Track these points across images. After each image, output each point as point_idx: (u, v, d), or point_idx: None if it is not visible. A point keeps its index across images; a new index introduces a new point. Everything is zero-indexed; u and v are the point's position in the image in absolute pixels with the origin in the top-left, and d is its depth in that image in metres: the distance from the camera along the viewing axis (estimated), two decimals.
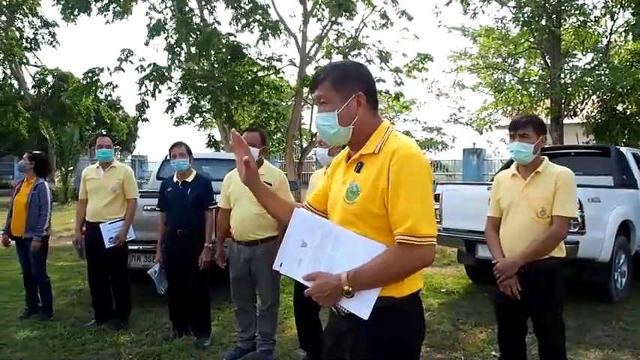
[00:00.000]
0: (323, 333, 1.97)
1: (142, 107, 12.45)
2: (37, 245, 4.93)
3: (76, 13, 12.43)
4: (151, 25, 12.24)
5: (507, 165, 6.79)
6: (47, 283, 5.12)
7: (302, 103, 14.00)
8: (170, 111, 12.88)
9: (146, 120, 13.07)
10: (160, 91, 12.21)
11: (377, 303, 1.65)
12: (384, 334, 1.69)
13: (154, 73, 11.86)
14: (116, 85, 12.76)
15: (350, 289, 1.64)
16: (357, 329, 1.70)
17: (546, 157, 3.04)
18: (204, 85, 12.33)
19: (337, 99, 1.74)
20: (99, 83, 12.72)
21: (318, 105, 1.81)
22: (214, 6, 12.82)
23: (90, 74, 12.39)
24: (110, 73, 12.25)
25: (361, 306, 1.66)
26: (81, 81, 13.31)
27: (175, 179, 4.50)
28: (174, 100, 12.87)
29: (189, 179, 4.48)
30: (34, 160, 5.18)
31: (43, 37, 21.23)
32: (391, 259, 1.64)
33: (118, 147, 25.08)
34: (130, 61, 12.08)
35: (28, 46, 20.42)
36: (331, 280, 1.66)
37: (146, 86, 12.02)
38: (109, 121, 22.02)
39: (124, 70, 12.11)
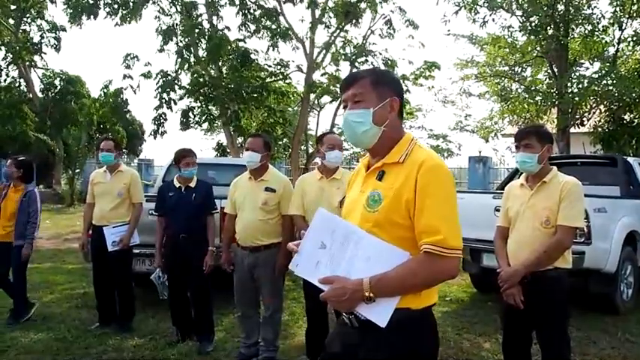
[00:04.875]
0: (327, 341, 1.94)
1: (159, 120, 12.39)
2: (28, 252, 4.96)
3: (84, 17, 12.51)
4: (162, 30, 12.29)
5: (513, 174, 6.78)
6: (23, 289, 5.08)
7: (308, 110, 14.01)
8: (184, 121, 12.83)
9: (164, 133, 12.62)
10: (175, 103, 12.20)
11: (394, 314, 1.62)
12: (401, 346, 1.65)
13: (164, 80, 11.88)
14: (138, 86, 12.34)
15: (371, 295, 1.60)
16: (371, 340, 1.67)
17: (555, 168, 3.04)
18: (213, 91, 12.36)
19: (374, 98, 1.74)
20: (125, 101, 12.72)
21: (349, 103, 1.78)
22: (220, 10, 12.87)
23: (116, 95, 12.43)
24: (126, 83, 12.26)
25: (380, 313, 1.62)
26: (101, 97, 13.32)
27: (177, 184, 4.49)
28: (187, 110, 12.85)
29: (192, 184, 4.48)
30: (21, 167, 5.11)
31: (49, 41, 21.36)
32: (419, 269, 1.61)
33: (125, 150, 25.14)
34: (129, 65, 12.08)
35: (33, 49, 20.48)
36: (350, 285, 1.63)
37: (163, 99, 12.00)
38: (109, 127, 22.12)
39: (131, 78, 12.17)
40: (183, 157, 4.44)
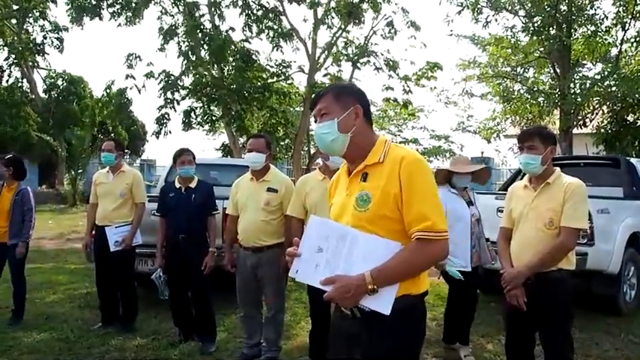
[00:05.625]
0: (329, 337, 1.99)
1: (162, 120, 12.37)
2: (22, 251, 4.91)
3: (87, 18, 12.53)
4: (164, 30, 12.30)
5: (516, 175, 6.77)
6: (24, 289, 5.07)
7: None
8: (186, 121, 12.83)
9: (168, 133, 12.57)
10: (179, 103, 12.19)
11: (396, 303, 1.72)
12: (405, 333, 1.78)
13: (167, 81, 11.89)
14: (143, 86, 12.38)
15: (375, 287, 1.71)
16: (377, 331, 1.77)
17: (558, 169, 3.03)
18: (215, 92, 12.37)
19: (337, 109, 1.89)
20: (129, 100, 12.71)
21: (318, 119, 1.94)
22: (223, 12, 12.87)
23: (119, 95, 12.43)
24: (129, 83, 12.27)
25: (383, 302, 1.73)
26: (105, 97, 13.31)
27: (178, 185, 4.49)
28: (189, 110, 12.86)
29: (193, 185, 4.48)
30: (10, 165, 5.04)
31: (52, 42, 21.41)
32: (414, 255, 1.75)
33: (127, 151, 25.17)
34: (131, 65, 12.08)
35: (35, 49, 20.51)
36: (353, 281, 1.73)
37: (168, 99, 11.99)
38: (111, 128, 22.14)
39: (134, 78, 12.18)
40: (179, 155, 4.45)
